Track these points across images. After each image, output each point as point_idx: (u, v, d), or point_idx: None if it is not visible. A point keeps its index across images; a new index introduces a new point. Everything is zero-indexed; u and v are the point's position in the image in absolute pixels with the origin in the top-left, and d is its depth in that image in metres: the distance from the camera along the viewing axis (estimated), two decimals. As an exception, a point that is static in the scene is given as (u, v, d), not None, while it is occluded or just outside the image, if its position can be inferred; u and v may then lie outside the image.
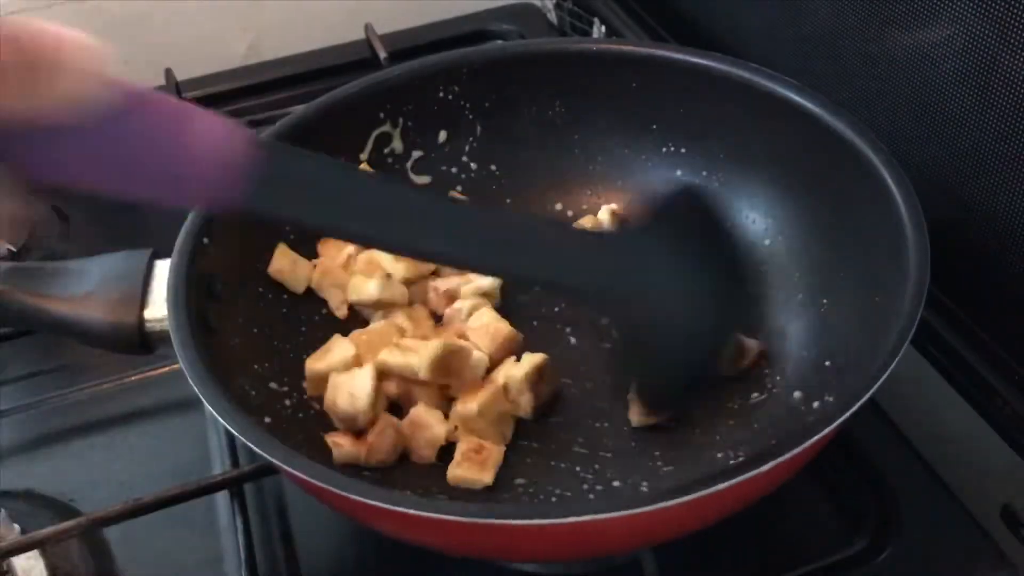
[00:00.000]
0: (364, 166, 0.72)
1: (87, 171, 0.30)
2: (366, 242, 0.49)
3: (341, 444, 0.60)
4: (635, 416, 0.61)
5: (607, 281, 0.45)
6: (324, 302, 0.68)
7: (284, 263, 0.66)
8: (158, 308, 0.60)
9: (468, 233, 0.42)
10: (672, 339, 0.49)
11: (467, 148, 0.74)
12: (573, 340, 0.67)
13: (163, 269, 0.61)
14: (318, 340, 0.65)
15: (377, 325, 0.65)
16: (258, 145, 0.34)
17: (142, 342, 0.61)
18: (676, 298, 0.47)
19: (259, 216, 0.39)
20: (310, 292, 0.68)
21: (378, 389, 0.61)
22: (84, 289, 0.61)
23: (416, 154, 0.74)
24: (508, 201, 0.74)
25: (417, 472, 0.61)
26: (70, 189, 0.32)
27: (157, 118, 0.32)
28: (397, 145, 0.73)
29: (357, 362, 0.62)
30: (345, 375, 0.61)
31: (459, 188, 0.74)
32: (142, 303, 0.61)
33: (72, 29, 0.28)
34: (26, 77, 0.26)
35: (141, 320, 0.61)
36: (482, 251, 0.42)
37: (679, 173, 0.72)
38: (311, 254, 0.69)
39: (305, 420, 0.62)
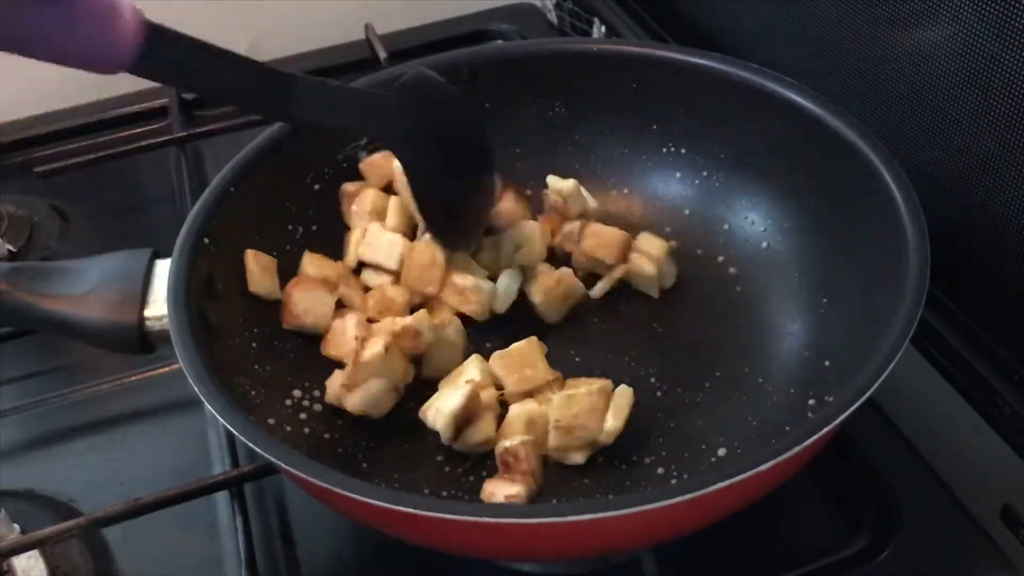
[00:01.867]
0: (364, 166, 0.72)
1: (18, 27, 0.39)
2: (223, 101, 0.71)
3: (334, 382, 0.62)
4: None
5: (399, 128, 0.61)
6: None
7: (254, 267, 0.64)
8: (158, 308, 0.60)
9: (303, 97, 0.57)
10: (446, 174, 0.64)
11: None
12: (576, 356, 0.67)
13: (163, 269, 0.61)
14: (318, 340, 0.65)
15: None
16: (150, 23, 0.46)
17: (142, 342, 0.61)
18: (444, 143, 0.63)
19: (144, 73, 0.50)
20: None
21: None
22: (84, 289, 0.61)
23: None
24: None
25: (418, 472, 0.61)
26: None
27: None
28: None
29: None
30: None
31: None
32: (142, 303, 0.61)
33: None
34: None
35: (141, 320, 0.61)
36: (315, 113, 0.58)
37: (679, 175, 0.72)
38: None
39: (305, 420, 0.62)
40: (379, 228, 0.69)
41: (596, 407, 0.58)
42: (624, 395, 0.59)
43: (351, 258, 0.69)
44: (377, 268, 0.68)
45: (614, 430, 0.58)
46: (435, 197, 0.65)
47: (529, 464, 0.57)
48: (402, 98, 0.62)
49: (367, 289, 0.69)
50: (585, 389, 0.58)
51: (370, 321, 0.66)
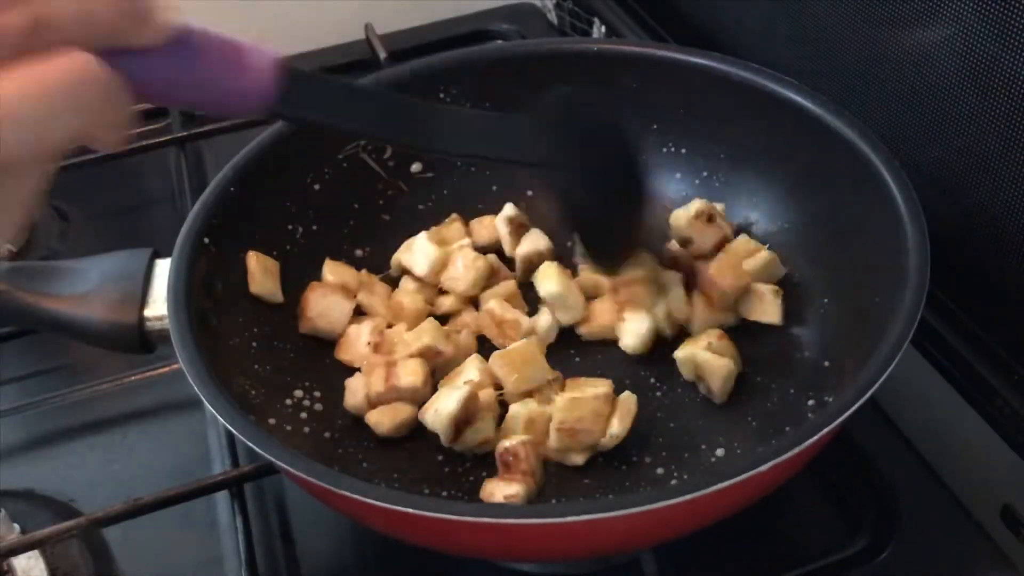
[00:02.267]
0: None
1: (165, 87, 0.42)
2: (363, 136, 0.66)
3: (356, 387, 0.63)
4: (583, 270, 0.67)
5: (551, 156, 0.58)
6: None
7: (256, 269, 0.65)
8: (158, 307, 0.60)
9: (441, 127, 0.54)
10: (596, 194, 0.61)
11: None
12: (576, 356, 0.67)
13: (163, 268, 0.61)
14: (318, 340, 0.66)
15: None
16: (286, 67, 0.46)
17: (142, 341, 0.61)
18: (593, 163, 0.60)
19: (287, 117, 0.51)
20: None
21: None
22: (84, 288, 0.61)
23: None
24: (508, 202, 0.74)
25: (418, 472, 0.61)
26: (160, 100, 0.47)
27: (217, 46, 0.44)
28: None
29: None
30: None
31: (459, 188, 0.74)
32: (142, 302, 0.61)
33: None
34: (131, 17, 0.38)
35: (141, 319, 0.61)
36: (457, 143, 0.55)
37: (679, 175, 0.72)
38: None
39: (305, 420, 0.62)
40: (424, 237, 0.69)
41: (600, 412, 0.58)
42: (628, 401, 0.59)
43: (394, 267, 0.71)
44: (410, 275, 0.69)
45: (619, 434, 0.58)
46: (586, 217, 0.62)
47: (528, 464, 0.57)
48: (546, 122, 0.58)
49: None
50: (591, 393, 0.58)
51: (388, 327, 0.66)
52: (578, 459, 0.59)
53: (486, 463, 0.60)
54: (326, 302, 0.66)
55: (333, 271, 0.68)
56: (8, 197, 0.36)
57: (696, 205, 0.67)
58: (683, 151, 0.72)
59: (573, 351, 0.67)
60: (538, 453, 0.59)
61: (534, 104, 0.58)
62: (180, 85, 0.43)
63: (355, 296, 0.67)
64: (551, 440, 0.59)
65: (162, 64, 0.41)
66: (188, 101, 0.47)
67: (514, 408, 0.61)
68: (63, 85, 0.35)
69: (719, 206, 0.68)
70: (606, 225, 0.62)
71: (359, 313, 0.67)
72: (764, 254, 0.66)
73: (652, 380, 0.64)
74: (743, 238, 0.67)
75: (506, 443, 0.58)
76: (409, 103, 0.54)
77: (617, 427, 0.58)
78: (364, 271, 0.69)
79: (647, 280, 0.65)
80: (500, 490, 0.57)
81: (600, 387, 0.59)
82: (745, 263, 0.65)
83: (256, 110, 0.46)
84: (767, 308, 0.65)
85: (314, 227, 0.70)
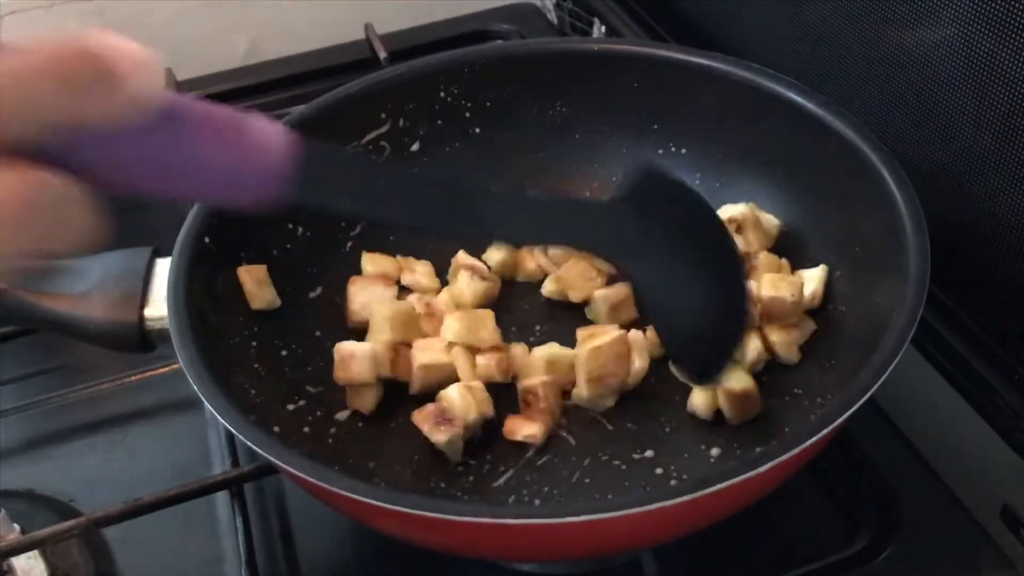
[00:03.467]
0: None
1: (150, 175, 0.34)
2: (402, 225, 0.55)
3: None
4: (698, 404, 0.61)
5: (627, 242, 0.50)
6: (324, 302, 0.69)
7: (249, 283, 0.64)
8: (159, 306, 0.60)
9: (491, 212, 0.47)
10: (694, 300, 0.53)
11: (467, 148, 0.74)
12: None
13: (164, 268, 0.61)
14: (317, 340, 0.65)
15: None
16: (302, 146, 0.37)
17: (142, 340, 0.61)
18: (681, 252, 0.52)
19: (305, 208, 0.42)
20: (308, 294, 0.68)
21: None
22: (85, 287, 0.61)
23: (416, 153, 0.74)
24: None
25: (418, 472, 0.61)
26: (138, 193, 0.35)
27: (213, 123, 0.35)
28: (396, 145, 0.73)
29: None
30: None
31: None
32: (143, 301, 0.61)
33: (128, 41, 0.31)
34: (95, 87, 0.30)
35: (141, 318, 0.61)
36: (508, 227, 0.48)
37: (679, 175, 0.72)
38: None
39: (306, 420, 0.62)
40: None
41: (622, 353, 0.61)
42: (637, 337, 0.62)
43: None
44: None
45: (641, 370, 0.62)
46: (675, 319, 0.54)
47: (548, 403, 0.60)
48: (619, 205, 0.51)
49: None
50: (609, 339, 0.61)
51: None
52: (609, 402, 0.62)
53: (486, 463, 0.60)
54: (367, 292, 0.66)
55: (371, 261, 0.68)
56: None
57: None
58: (683, 151, 0.72)
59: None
60: (558, 393, 0.62)
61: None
62: (166, 173, 0.34)
63: (396, 282, 0.68)
64: (582, 391, 0.61)
65: (135, 146, 0.32)
66: (177, 192, 0.37)
67: (537, 351, 0.63)
68: None
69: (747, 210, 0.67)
70: (695, 329, 0.54)
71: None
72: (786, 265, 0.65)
73: (652, 380, 0.64)
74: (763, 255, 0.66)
75: (527, 382, 0.61)
76: (454, 186, 0.47)
77: (639, 363, 0.62)
78: (399, 256, 0.70)
79: None
80: (521, 428, 0.60)
81: (612, 331, 0.62)
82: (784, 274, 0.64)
83: (267, 201, 0.37)
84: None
85: (314, 227, 0.70)
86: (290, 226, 0.69)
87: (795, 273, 0.65)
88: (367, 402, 0.62)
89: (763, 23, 0.77)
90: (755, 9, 0.78)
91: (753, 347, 0.62)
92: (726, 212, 0.67)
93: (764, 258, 0.65)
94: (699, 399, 0.61)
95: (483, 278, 0.68)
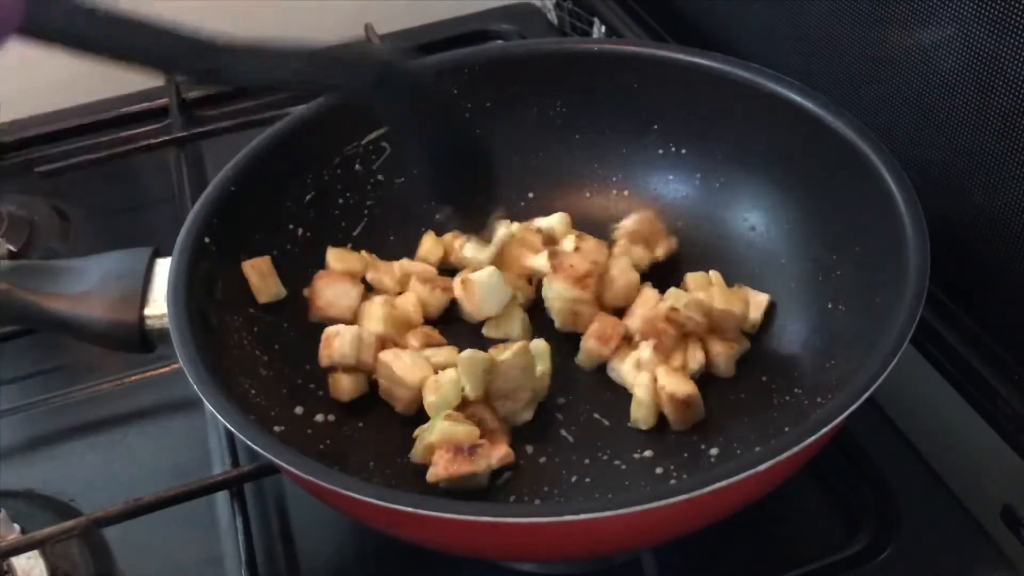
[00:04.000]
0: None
1: None
2: (145, 65, 0.54)
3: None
4: (639, 416, 0.62)
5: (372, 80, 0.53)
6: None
7: (254, 278, 0.65)
8: (159, 306, 0.60)
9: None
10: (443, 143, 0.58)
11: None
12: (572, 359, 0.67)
13: (164, 268, 0.61)
14: (317, 340, 0.65)
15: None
16: None
17: (142, 340, 0.61)
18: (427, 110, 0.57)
19: (33, 36, 0.45)
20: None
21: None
22: (85, 287, 0.61)
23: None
24: (508, 202, 0.74)
25: (419, 472, 0.61)
26: None
27: None
28: (397, 145, 0.73)
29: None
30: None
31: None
32: (143, 301, 0.61)
33: None
34: None
35: (142, 318, 0.61)
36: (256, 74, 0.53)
37: (679, 175, 0.72)
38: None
39: (306, 420, 0.62)
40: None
41: (527, 365, 0.61)
42: (539, 345, 0.63)
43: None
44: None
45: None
46: (440, 167, 0.60)
47: (493, 419, 0.60)
48: (369, 51, 0.57)
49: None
50: (510, 353, 0.60)
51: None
52: (527, 415, 0.62)
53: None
54: (333, 289, 0.66)
55: (338, 257, 0.68)
56: None
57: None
58: (683, 151, 0.72)
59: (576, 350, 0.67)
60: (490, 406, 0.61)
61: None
62: None
63: (361, 279, 0.68)
64: (498, 409, 0.61)
65: None
66: None
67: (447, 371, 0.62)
68: None
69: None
70: (463, 178, 0.60)
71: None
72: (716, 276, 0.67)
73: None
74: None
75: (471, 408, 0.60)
76: (193, 39, 0.50)
77: (540, 367, 0.62)
78: (364, 252, 0.70)
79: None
80: (493, 455, 0.58)
81: (515, 344, 0.61)
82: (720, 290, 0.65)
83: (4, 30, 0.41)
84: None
85: (314, 226, 0.70)
86: (290, 226, 0.69)
87: (740, 288, 0.66)
88: (343, 389, 0.62)
89: (763, 23, 0.77)
90: (755, 9, 0.78)
91: (695, 357, 0.63)
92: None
93: (691, 278, 0.67)
94: (639, 412, 0.61)
95: (444, 290, 0.68)
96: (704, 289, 0.65)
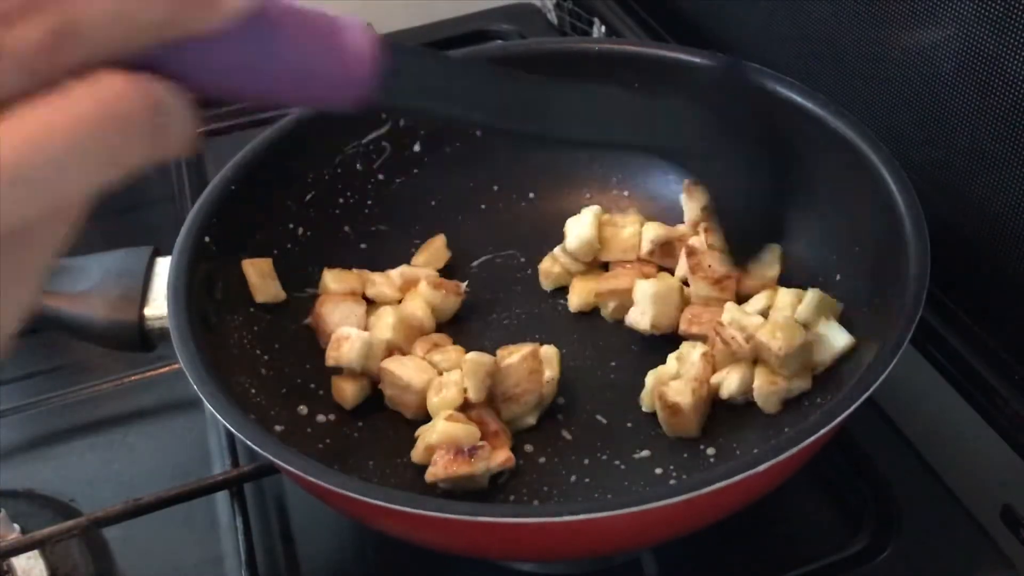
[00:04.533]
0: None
1: (245, 80, 0.34)
2: (485, 127, 0.55)
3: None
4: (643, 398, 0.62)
5: (699, 144, 0.50)
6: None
7: (254, 276, 0.64)
8: (159, 306, 0.60)
9: (571, 112, 0.50)
10: (750, 191, 0.54)
11: (468, 148, 0.74)
12: (572, 362, 0.67)
13: (164, 267, 0.61)
14: (317, 340, 0.65)
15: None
16: (389, 48, 0.39)
17: (142, 340, 0.61)
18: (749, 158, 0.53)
19: (389, 108, 0.44)
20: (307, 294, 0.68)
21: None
22: (85, 286, 0.61)
23: (416, 153, 0.74)
24: (508, 202, 0.74)
25: (419, 471, 0.61)
26: (230, 97, 0.36)
27: (307, 26, 0.36)
28: (397, 145, 0.73)
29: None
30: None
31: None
32: (143, 301, 0.61)
33: None
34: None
35: (142, 318, 0.61)
36: (591, 129, 0.50)
37: (672, 177, 0.72)
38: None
39: (306, 420, 0.62)
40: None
41: (534, 368, 0.61)
42: (549, 351, 0.63)
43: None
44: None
45: (553, 377, 0.62)
46: (731, 206, 0.54)
47: (495, 421, 0.60)
48: (695, 104, 0.50)
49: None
50: (519, 356, 0.61)
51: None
52: (531, 420, 0.61)
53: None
54: (339, 311, 0.65)
55: (335, 278, 0.67)
56: (11, 273, 0.30)
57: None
58: (683, 151, 0.72)
59: (577, 350, 0.67)
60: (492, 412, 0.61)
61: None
62: (257, 76, 0.34)
63: (363, 295, 0.67)
64: (502, 412, 0.60)
65: (233, 52, 0.33)
66: (268, 94, 0.37)
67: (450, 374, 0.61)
68: (87, 126, 0.28)
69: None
70: (751, 215, 0.55)
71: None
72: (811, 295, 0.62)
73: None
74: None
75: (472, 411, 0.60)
76: (530, 81, 0.48)
77: (548, 373, 0.61)
78: (359, 270, 0.69)
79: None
80: (494, 460, 0.58)
81: (523, 348, 0.61)
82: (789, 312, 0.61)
83: (353, 101, 0.37)
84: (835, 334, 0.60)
85: (315, 226, 0.70)
86: (290, 226, 0.69)
87: (827, 322, 0.60)
88: (347, 396, 0.62)
89: (763, 23, 0.77)
90: (755, 9, 0.78)
91: (731, 381, 0.60)
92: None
93: (784, 295, 0.63)
94: (644, 394, 0.62)
95: (455, 293, 0.68)
96: (786, 310, 0.61)
